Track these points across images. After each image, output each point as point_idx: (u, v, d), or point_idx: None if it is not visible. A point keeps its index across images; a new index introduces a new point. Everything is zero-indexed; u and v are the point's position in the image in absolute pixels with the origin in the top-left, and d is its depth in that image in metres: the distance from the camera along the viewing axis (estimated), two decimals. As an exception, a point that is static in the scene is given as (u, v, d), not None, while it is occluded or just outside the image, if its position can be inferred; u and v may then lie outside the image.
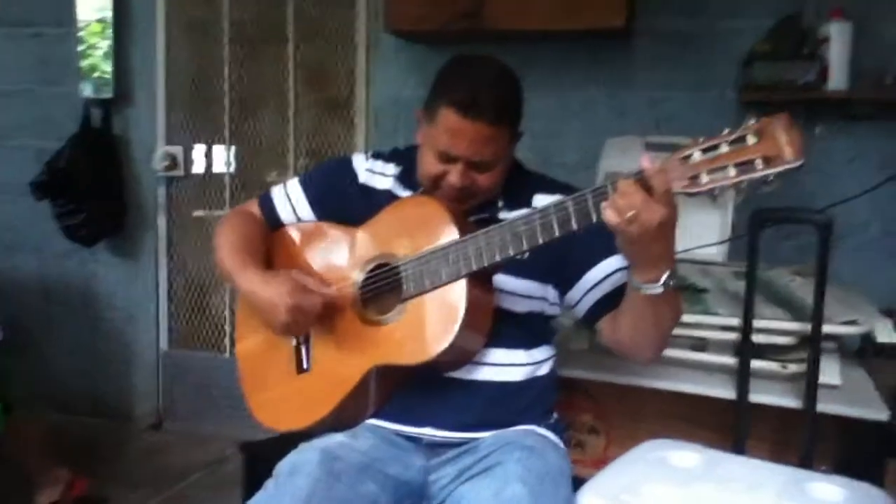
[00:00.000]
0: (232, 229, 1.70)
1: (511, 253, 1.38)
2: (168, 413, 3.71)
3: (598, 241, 1.46)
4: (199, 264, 3.66)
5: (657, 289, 1.33)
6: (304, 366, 1.61)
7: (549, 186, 1.60)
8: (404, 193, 1.63)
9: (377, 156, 1.70)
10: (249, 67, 3.51)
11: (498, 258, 1.40)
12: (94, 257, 3.73)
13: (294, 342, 1.62)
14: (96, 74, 3.56)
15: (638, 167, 1.26)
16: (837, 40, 2.66)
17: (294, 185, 1.74)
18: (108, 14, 3.52)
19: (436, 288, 1.45)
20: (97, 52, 3.56)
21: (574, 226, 1.32)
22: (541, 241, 1.35)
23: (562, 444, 1.61)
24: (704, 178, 1.16)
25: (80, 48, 3.56)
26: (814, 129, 2.86)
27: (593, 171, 2.74)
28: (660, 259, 1.32)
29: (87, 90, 3.56)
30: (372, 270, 1.56)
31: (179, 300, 3.71)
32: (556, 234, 1.33)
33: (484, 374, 1.54)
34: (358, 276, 1.57)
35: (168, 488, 3.05)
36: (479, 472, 1.46)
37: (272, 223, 1.74)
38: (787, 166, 1.12)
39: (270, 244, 1.71)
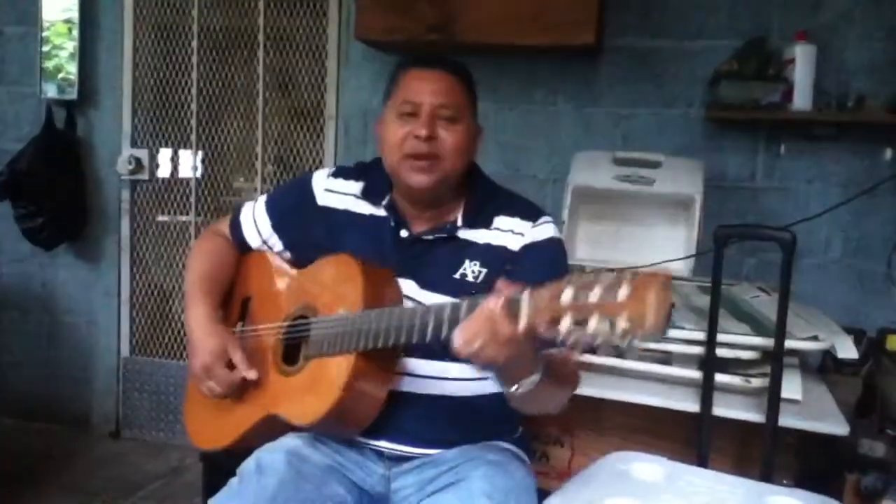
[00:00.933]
0: (204, 252, 1.71)
1: (403, 341, 1.33)
2: (127, 421, 3.65)
3: (538, 278, 1.43)
4: (161, 270, 3.61)
5: (517, 391, 1.28)
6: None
7: (512, 209, 1.56)
8: (365, 209, 1.61)
9: (339, 174, 1.67)
10: (218, 72, 3.48)
11: (387, 344, 1.35)
12: (54, 261, 3.66)
13: None
14: (61, 75, 3.50)
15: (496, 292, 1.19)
16: (802, 62, 2.71)
17: (260, 208, 1.72)
18: (75, 15, 3.47)
19: (331, 355, 1.43)
20: (62, 52, 3.50)
21: (443, 335, 1.26)
22: (428, 339, 1.29)
23: (526, 458, 1.60)
24: (565, 324, 1.07)
25: (45, 49, 3.50)
26: (778, 147, 2.91)
27: (562, 184, 2.76)
28: (513, 374, 1.27)
29: (50, 91, 3.50)
30: (295, 319, 1.55)
31: (141, 306, 3.65)
32: (443, 334, 1.27)
33: (440, 388, 1.51)
34: (284, 322, 1.57)
35: (126, 497, 3.00)
36: (444, 487, 1.45)
37: (241, 246, 1.73)
38: (645, 336, 1.03)
39: (239, 267, 1.73)
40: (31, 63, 3.54)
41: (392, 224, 1.57)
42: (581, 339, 1.07)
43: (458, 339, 1.20)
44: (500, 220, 1.55)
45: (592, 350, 1.08)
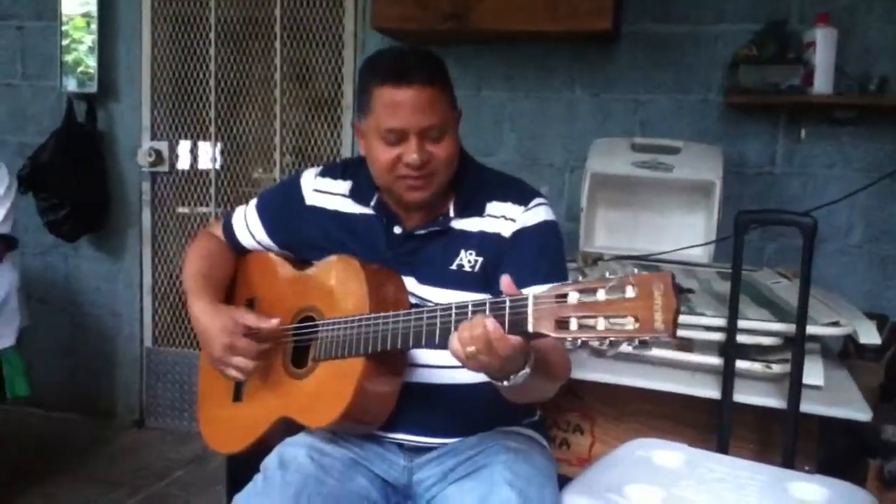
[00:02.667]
0: (198, 253, 1.72)
1: (411, 345, 1.34)
2: (150, 410, 3.69)
3: (529, 267, 1.45)
4: (182, 261, 3.62)
5: (506, 385, 1.26)
6: (239, 396, 1.65)
7: (503, 194, 1.54)
8: (355, 209, 1.59)
9: (326, 172, 1.65)
10: (236, 64, 3.50)
11: (395, 347, 1.35)
12: (76, 253, 3.71)
13: None
14: (80, 69, 3.53)
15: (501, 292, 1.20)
16: (822, 45, 2.68)
17: (252, 212, 1.71)
18: (93, 9, 3.49)
19: (341, 357, 1.44)
20: (81, 46, 3.53)
21: None
22: (424, 342, 1.31)
23: (545, 443, 1.61)
24: (573, 325, 1.08)
25: (64, 43, 3.53)
26: (798, 132, 2.89)
27: (580, 172, 2.76)
28: (504, 372, 1.24)
29: (70, 85, 3.53)
30: (301, 321, 1.55)
31: (163, 297, 3.68)
32: (437, 340, 1.29)
33: (454, 377, 1.50)
34: (291, 322, 1.57)
35: (149, 486, 3.04)
36: (465, 475, 1.45)
37: (236, 248, 1.74)
38: (653, 335, 1.03)
39: (237, 268, 1.74)
40: (52, 57, 3.57)
41: (384, 222, 1.56)
42: (589, 342, 1.07)
43: (452, 345, 1.21)
44: (493, 207, 1.53)
45: (600, 352, 1.09)
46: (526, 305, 1.14)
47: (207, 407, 1.74)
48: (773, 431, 1.79)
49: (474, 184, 1.56)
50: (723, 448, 1.74)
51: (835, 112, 2.82)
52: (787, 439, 1.70)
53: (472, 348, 1.17)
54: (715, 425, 1.78)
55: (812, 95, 2.71)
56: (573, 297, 1.09)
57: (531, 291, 1.17)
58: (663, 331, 1.02)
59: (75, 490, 2.98)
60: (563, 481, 1.45)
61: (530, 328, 1.13)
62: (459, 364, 1.44)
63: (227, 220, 1.75)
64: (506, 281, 1.20)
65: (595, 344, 1.08)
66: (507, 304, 1.17)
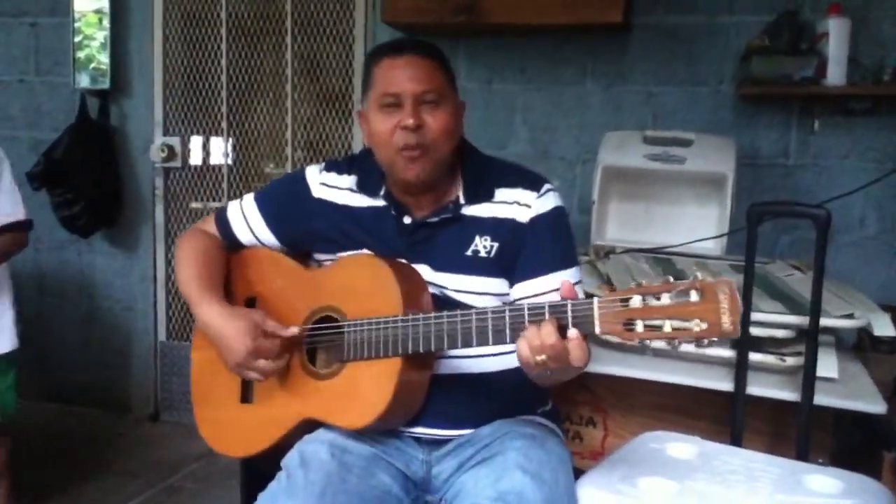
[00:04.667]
0: (192, 253, 1.65)
1: (445, 346, 1.36)
2: (165, 404, 3.71)
3: (548, 253, 1.49)
4: (175, 262, 3.64)
5: (555, 377, 1.32)
6: (249, 397, 1.61)
7: (512, 180, 1.55)
8: (363, 202, 1.59)
9: (331, 167, 1.64)
10: (247, 59, 3.51)
11: (433, 348, 1.37)
12: (90, 248, 3.73)
13: None
14: (93, 65, 3.54)
15: (561, 297, 1.23)
16: (835, 35, 2.67)
17: (250, 205, 1.68)
18: (106, 5, 3.51)
19: (374, 358, 1.43)
20: (94, 42, 3.54)
21: (508, 339, 1.30)
22: (475, 343, 1.33)
23: (559, 432, 1.61)
24: (639, 328, 1.14)
25: (77, 39, 3.55)
26: (811, 124, 2.87)
27: (592, 164, 2.75)
28: (567, 374, 1.30)
29: (83, 81, 3.54)
30: (318, 321, 1.53)
31: (176, 291, 3.69)
32: (490, 341, 1.32)
33: (468, 366, 1.52)
34: (305, 322, 1.54)
35: (164, 479, 3.06)
36: (479, 462, 1.46)
37: (231, 244, 1.69)
38: (722, 335, 1.11)
39: (231, 267, 1.68)
40: (65, 54, 3.59)
41: (393, 213, 1.55)
42: (657, 340, 1.14)
43: (523, 346, 1.24)
44: (502, 192, 1.53)
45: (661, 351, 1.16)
46: (591, 310, 1.19)
47: (208, 409, 1.68)
48: (786, 424, 1.78)
49: (481, 171, 1.57)
50: (736, 441, 1.74)
51: (848, 103, 2.81)
52: (800, 432, 1.69)
53: (542, 357, 1.21)
54: (728, 418, 1.78)
55: (825, 86, 2.69)
56: (636, 301, 1.15)
57: (548, 280, 1.28)
58: (731, 332, 1.10)
59: (92, 482, 3.01)
60: (577, 474, 1.45)
61: (597, 331, 1.18)
62: (478, 353, 1.49)
63: (222, 214, 1.70)
64: (566, 286, 1.24)
65: (661, 344, 1.15)
66: (570, 307, 1.21)
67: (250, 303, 1.64)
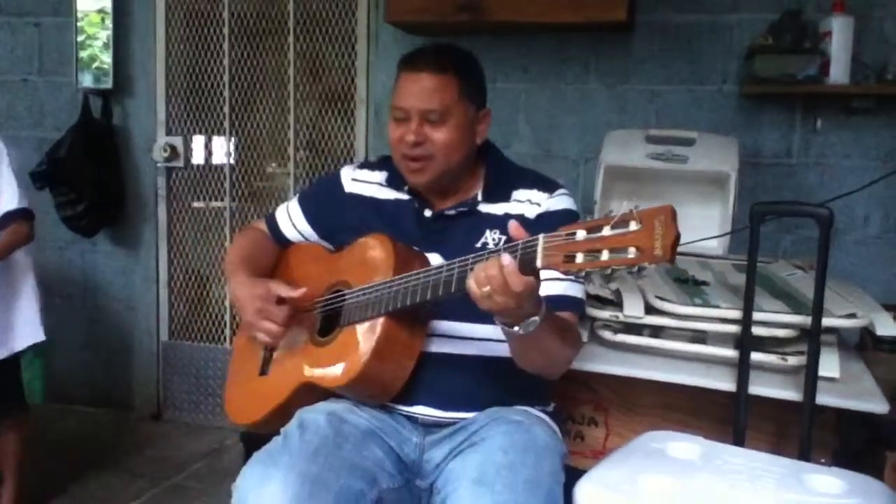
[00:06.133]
0: (241, 242, 1.84)
1: (429, 297, 1.42)
2: (167, 403, 3.72)
3: None
4: (198, 255, 3.66)
5: (518, 331, 1.33)
6: (265, 370, 1.73)
7: (530, 182, 1.65)
8: (390, 195, 1.71)
9: (364, 166, 1.79)
10: (250, 59, 3.51)
11: (414, 302, 1.44)
12: (93, 248, 3.74)
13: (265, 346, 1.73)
14: (95, 65, 3.55)
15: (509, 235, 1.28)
16: (839, 34, 2.66)
17: (294, 205, 1.84)
18: (108, 5, 3.51)
19: (363, 321, 1.53)
20: (96, 42, 3.55)
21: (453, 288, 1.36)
22: (441, 292, 1.39)
23: (556, 427, 1.63)
24: (579, 258, 1.16)
25: (80, 39, 3.55)
26: (814, 122, 2.87)
27: (594, 163, 2.75)
28: (517, 315, 1.31)
29: (86, 81, 3.55)
30: (331, 294, 1.64)
31: (179, 291, 3.71)
32: (452, 290, 1.37)
33: (471, 349, 1.58)
34: (321, 297, 1.66)
35: (167, 478, 3.06)
36: (468, 447, 1.50)
37: (279, 240, 1.85)
38: (654, 262, 1.10)
39: (279, 259, 1.84)
40: (68, 53, 3.60)
41: (416, 206, 1.67)
42: (593, 267, 1.15)
43: (471, 287, 1.28)
44: (519, 193, 1.63)
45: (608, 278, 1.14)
46: (536, 243, 1.22)
47: (235, 384, 1.82)
48: (789, 424, 1.78)
49: (501, 172, 1.68)
50: (738, 440, 1.73)
51: (851, 101, 2.80)
52: (803, 431, 1.69)
53: (487, 288, 1.25)
54: (730, 417, 1.77)
55: (828, 85, 2.69)
56: (581, 235, 1.16)
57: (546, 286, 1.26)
58: (661, 257, 1.09)
59: (96, 481, 3.02)
60: (578, 474, 1.45)
61: (539, 263, 1.21)
62: (482, 336, 1.54)
63: (271, 215, 1.88)
64: (513, 225, 1.28)
65: (597, 271, 1.17)
66: (520, 245, 1.25)
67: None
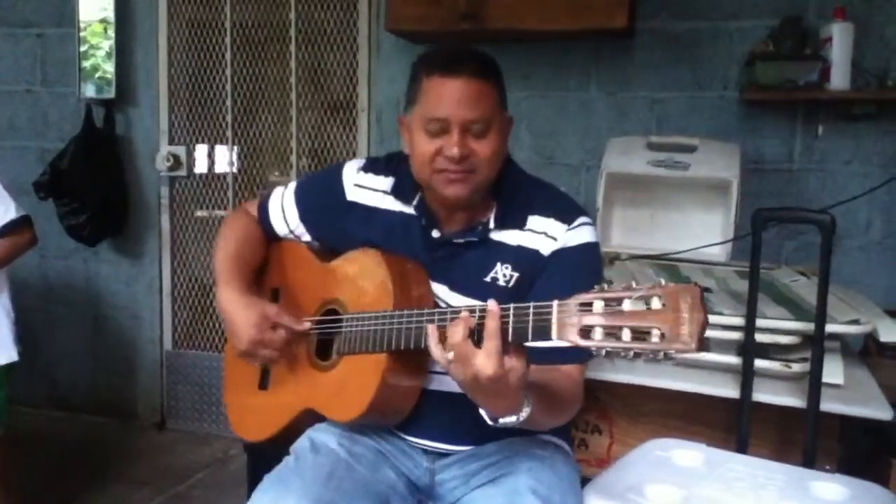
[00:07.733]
0: (233, 234, 1.68)
1: (422, 346, 1.31)
2: (171, 412, 3.72)
3: (557, 289, 1.32)
4: (201, 264, 3.67)
5: (495, 425, 1.25)
6: (265, 384, 1.67)
7: (547, 208, 1.49)
8: (395, 206, 1.57)
9: (369, 168, 1.62)
10: (252, 68, 3.52)
11: (419, 346, 1.33)
12: (96, 257, 3.74)
13: None
14: (98, 75, 3.56)
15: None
16: (839, 40, 2.67)
17: (289, 197, 1.69)
18: (110, 14, 3.53)
19: (363, 352, 1.44)
20: (99, 52, 3.56)
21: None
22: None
23: (569, 449, 1.59)
24: (598, 335, 1.06)
25: (82, 49, 3.57)
26: (815, 128, 2.87)
27: (596, 171, 2.75)
28: (494, 406, 1.22)
29: (89, 91, 3.56)
30: (324, 313, 1.56)
31: (182, 300, 3.71)
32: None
33: None
34: (315, 314, 1.58)
35: (171, 487, 3.06)
36: (489, 481, 1.45)
37: (269, 233, 1.72)
38: (681, 351, 1.01)
39: (269, 256, 1.72)
40: (70, 63, 3.61)
41: (423, 223, 1.53)
42: (614, 349, 1.06)
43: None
44: (534, 221, 1.48)
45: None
46: (550, 312, 1.12)
47: (234, 394, 1.75)
48: (793, 431, 1.78)
49: (517, 194, 1.51)
50: (742, 447, 1.73)
51: (852, 107, 2.80)
52: (807, 439, 1.69)
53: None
54: (734, 425, 1.77)
55: (829, 91, 2.69)
56: (598, 306, 1.07)
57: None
58: (690, 345, 1.00)
59: (100, 491, 3.02)
60: (583, 482, 1.45)
61: (554, 335, 1.11)
62: None
63: (264, 203, 1.72)
64: (492, 304, 1.18)
65: (620, 355, 1.06)
66: (532, 309, 1.14)
67: (275, 293, 1.70)
